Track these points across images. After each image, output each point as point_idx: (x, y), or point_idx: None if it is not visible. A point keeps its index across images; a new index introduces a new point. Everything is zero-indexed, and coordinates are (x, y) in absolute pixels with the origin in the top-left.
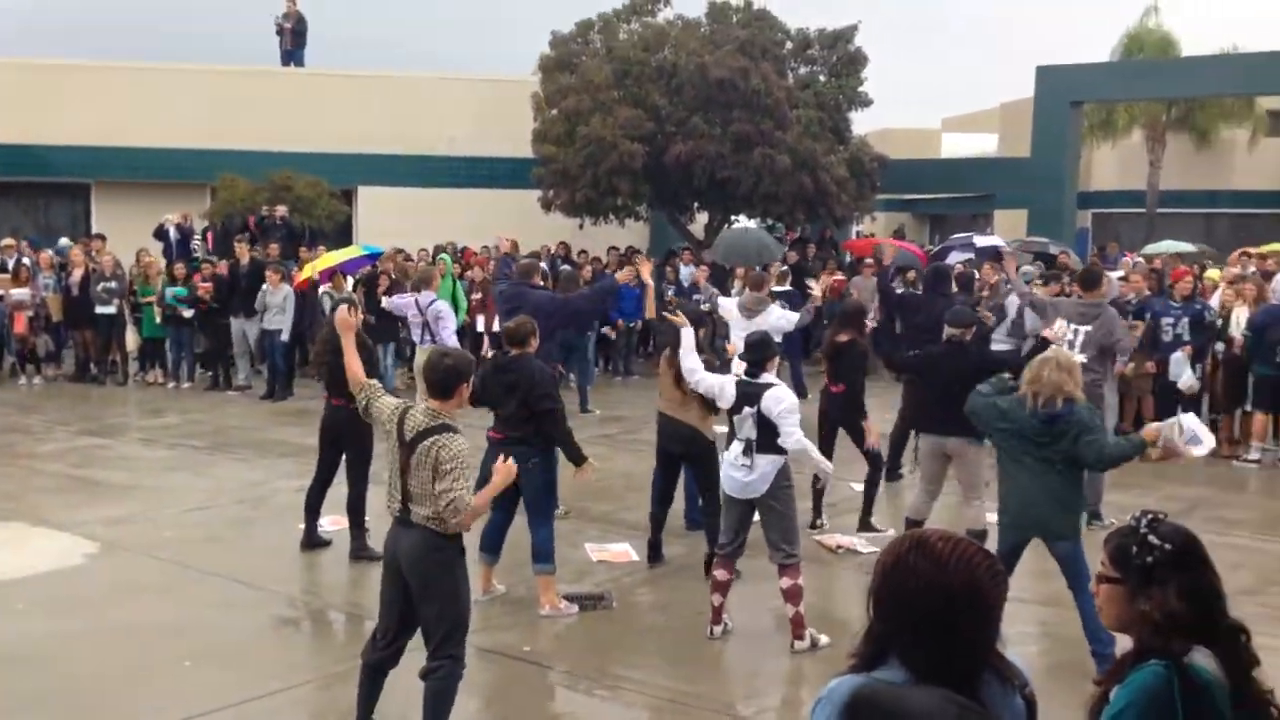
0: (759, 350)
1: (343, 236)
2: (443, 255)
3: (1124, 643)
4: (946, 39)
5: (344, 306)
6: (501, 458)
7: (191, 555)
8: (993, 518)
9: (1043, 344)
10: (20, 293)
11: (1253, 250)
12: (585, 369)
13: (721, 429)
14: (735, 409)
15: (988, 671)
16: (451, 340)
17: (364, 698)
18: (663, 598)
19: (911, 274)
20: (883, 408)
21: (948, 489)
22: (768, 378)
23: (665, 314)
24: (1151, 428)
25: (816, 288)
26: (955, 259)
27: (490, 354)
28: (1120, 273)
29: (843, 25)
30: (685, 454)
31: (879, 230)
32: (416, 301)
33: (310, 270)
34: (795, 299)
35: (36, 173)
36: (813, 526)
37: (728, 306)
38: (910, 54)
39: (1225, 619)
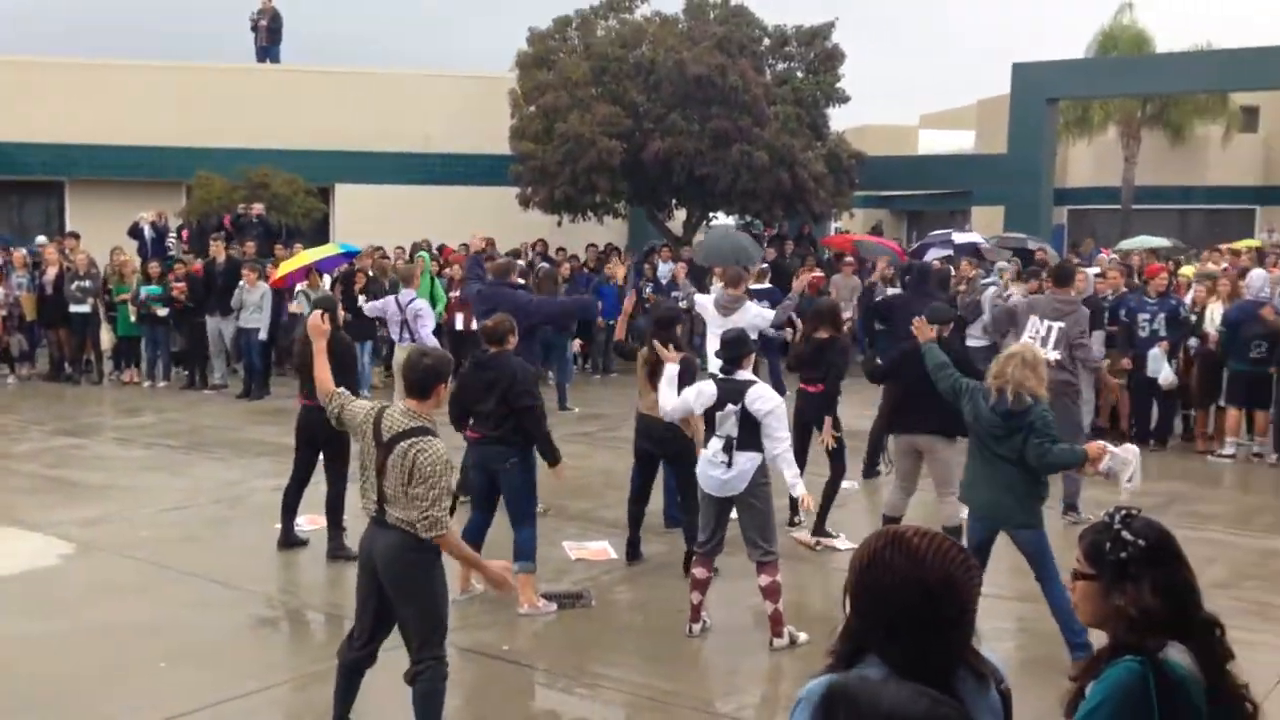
0: (735, 348)
1: (320, 234)
2: (421, 253)
3: (1099, 637)
4: (923, 36)
5: (317, 312)
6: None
7: (168, 555)
8: (966, 513)
9: None
10: None
11: (1224, 247)
12: (564, 367)
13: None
14: (717, 406)
15: (963, 667)
16: (430, 339)
17: (340, 698)
18: (641, 596)
19: (890, 270)
20: (862, 404)
21: (924, 486)
22: (746, 375)
23: (656, 342)
24: (1096, 446)
25: (796, 285)
26: (934, 256)
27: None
28: (1096, 269)
29: (820, 22)
30: (664, 454)
31: (857, 227)
32: (396, 300)
33: (286, 268)
34: (776, 296)
35: (9, 171)
36: (791, 524)
37: (704, 304)
38: (887, 51)
39: (1200, 614)
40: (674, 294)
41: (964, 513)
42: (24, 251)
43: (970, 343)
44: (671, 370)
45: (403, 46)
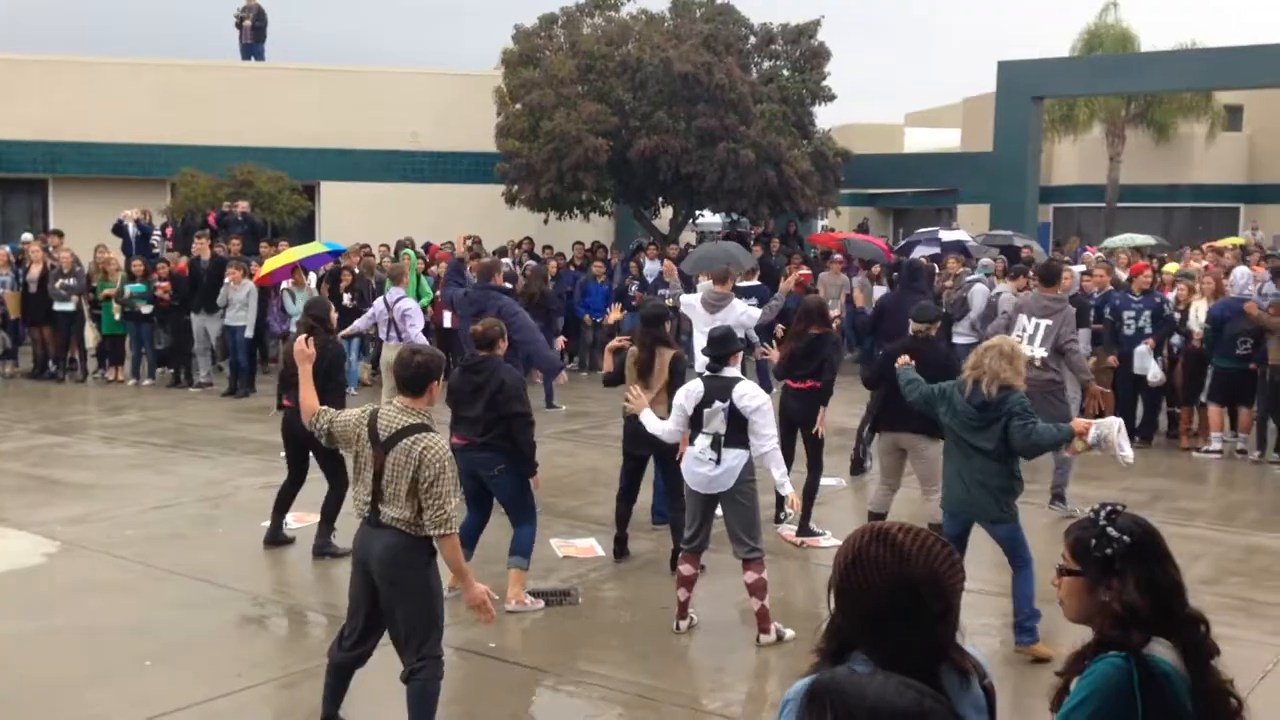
0: (722, 345)
1: (305, 232)
2: (406, 250)
3: (1084, 634)
4: (909, 34)
5: (301, 338)
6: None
7: (153, 554)
8: None
9: None
10: None
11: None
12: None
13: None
14: (705, 403)
15: (947, 662)
16: (420, 338)
17: (329, 697)
18: (629, 593)
19: (876, 268)
20: (851, 401)
21: (908, 483)
22: (733, 372)
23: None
24: (1080, 421)
25: (784, 285)
26: (921, 253)
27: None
28: (1082, 268)
29: (806, 20)
30: (652, 452)
31: (843, 225)
32: (385, 299)
33: (271, 265)
34: (763, 294)
35: None
36: (776, 520)
37: (690, 302)
38: (873, 49)
39: (1185, 610)
40: (661, 291)
41: None
42: (7, 249)
43: (957, 339)
44: (649, 417)
45: (388, 44)
